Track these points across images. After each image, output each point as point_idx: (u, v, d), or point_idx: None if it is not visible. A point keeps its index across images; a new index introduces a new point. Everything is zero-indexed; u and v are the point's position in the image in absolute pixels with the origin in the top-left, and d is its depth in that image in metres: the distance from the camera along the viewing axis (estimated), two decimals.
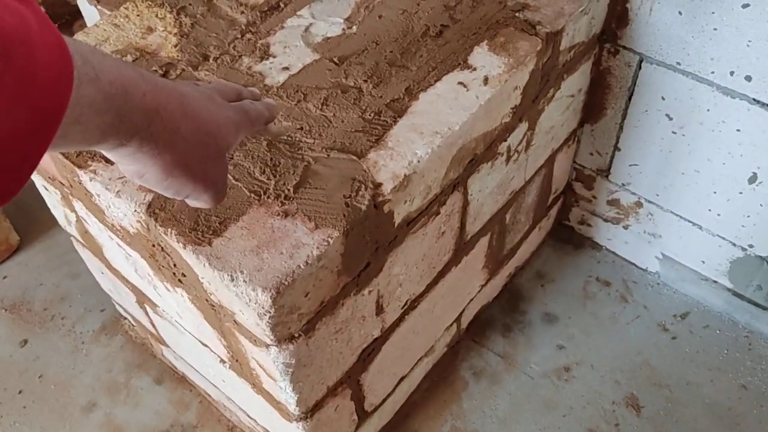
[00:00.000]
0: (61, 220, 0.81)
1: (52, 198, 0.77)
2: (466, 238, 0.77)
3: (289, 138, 0.60)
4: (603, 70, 0.83)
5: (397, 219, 0.59)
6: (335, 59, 0.66)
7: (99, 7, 0.88)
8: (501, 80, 0.63)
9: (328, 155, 0.58)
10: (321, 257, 0.52)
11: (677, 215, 0.91)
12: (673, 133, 0.82)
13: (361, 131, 0.60)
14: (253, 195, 0.55)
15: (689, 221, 0.90)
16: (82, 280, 1.06)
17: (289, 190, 0.55)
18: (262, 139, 0.60)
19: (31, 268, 1.11)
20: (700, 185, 0.85)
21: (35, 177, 0.74)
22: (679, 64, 0.76)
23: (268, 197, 0.55)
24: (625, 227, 1.00)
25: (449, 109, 0.61)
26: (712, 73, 0.74)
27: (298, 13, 0.72)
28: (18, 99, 0.27)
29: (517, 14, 0.69)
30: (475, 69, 0.64)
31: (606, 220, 1.02)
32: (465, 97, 0.62)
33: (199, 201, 0.42)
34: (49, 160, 0.65)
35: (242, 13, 0.72)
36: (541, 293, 1.02)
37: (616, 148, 0.91)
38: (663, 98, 0.80)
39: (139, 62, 0.68)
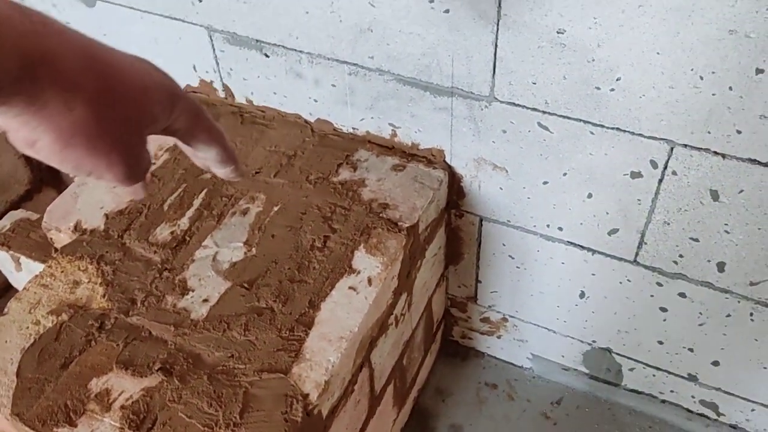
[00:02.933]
0: None
1: None
2: (376, 394, 0.92)
3: (224, 367, 0.73)
4: (454, 228, 1.04)
5: (324, 413, 0.74)
6: (245, 284, 0.81)
7: (11, 252, 0.96)
8: (381, 278, 0.81)
9: (260, 377, 0.71)
10: None
11: (535, 324, 1.12)
12: (517, 267, 1.04)
13: (282, 349, 0.74)
14: (206, 429, 0.68)
15: (545, 328, 1.11)
16: None
17: (236, 417, 0.68)
18: (202, 373, 0.72)
19: None
20: (546, 302, 1.06)
21: None
22: (509, 221, 0.97)
23: (219, 428, 0.68)
24: (498, 337, 1.20)
25: (347, 313, 0.77)
26: (534, 226, 0.96)
27: (204, 243, 0.86)
28: None
29: (381, 215, 0.88)
30: (359, 272, 0.81)
31: (482, 333, 1.21)
32: (357, 300, 0.78)
33: (105, 179, 0.37)
34: None
35: (155, 252, 0.85)
36: (443, 407, 1.18)
37: (477, 280, 1.11)
38: (504, 244, 1.01)
39: (75, 318, 0.78)
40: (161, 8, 0.97)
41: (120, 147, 0.35)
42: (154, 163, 0.96)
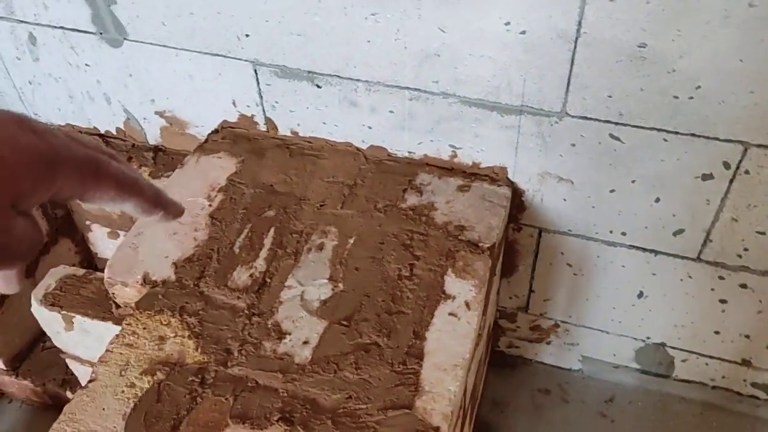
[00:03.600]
0: None
1: None
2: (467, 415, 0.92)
3: (345, 409, 0.71)
4: (511, 241, 1.05)
5: None
6: (343, 321, 0.79)
7: (63, 312, 0.91)
8: (477, 301, 0.81)
9: (386, 415, 0.70)
10: None
11: (588, 327, 1.14)
12: (575, 274, 1.05)
13: (400, 384, 0.73)
14: None
15: (598, 329, 1.14)
16: None
17: None
18: (324, 418, 0.70)
19: None
20: (602, 305, 1.09)
21: None
22: (570, 230, 0.99)
23: None
24: (548, 343, 1.21)
25: (454, 340, 0.77)
26: (596, 233, 0.98)
27: (287, 284, 0.84)
28: None
29: (459, 237, 0.88)
30: (454, 297, 0.81)
31: (531, 341, 1.23)
32: (460, 326, 0.78)
33: None
34: None
35: (238, 298, 0.82)
36: (503, 418, 1.19)
37: (530, 290, 1.12)
38: (562, 253, 1.03)
39: (172, 376, 0.75)
40: (201, 45, 0.94)
41: None
42: (210, 206, 0.93)
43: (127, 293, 0.86)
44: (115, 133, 1.14)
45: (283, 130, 1.02)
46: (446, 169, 0.97)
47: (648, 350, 1.14)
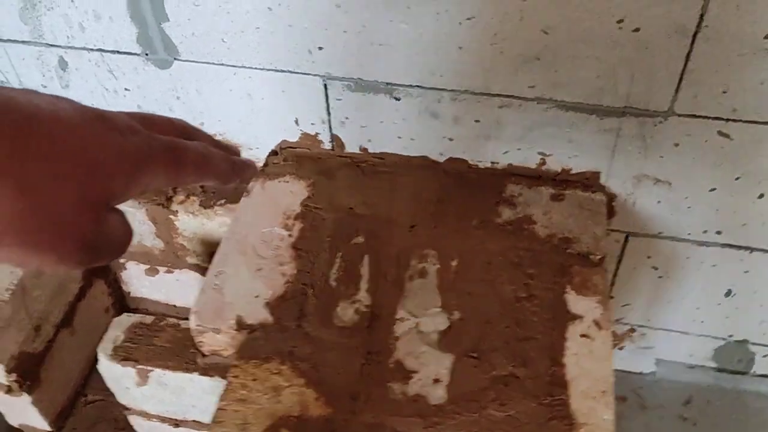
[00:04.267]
0: None
1: None
2: None
3: None
4: None
5: None
6: (471, 353, 0.73)
7: (139, 366, 0.82)
8: (607, 318, 0.75)
9: None
10: None
11: (666, 330, 1.11)
12: (659, 277, 1.02)
13: (552, 418, 0.67)
14: None
15: (677, 331, 1.10)
16: None
17: None
18: None
19: None
20: (684, 306, 1.05)
21: None
22: (660, 233, 0.95)
23: None
24: (620, 348, 1.17)
25: (593, 364, 0.71)
26: (689, 234, 0.94)
27: (397, 316, 0.77)
28: None
29: (568, 251, 0.82)
30: (582, 317, 0.76)
31: None
32: (596, 347, 0.73)
33: (60, 271, 0.30)
34: None
35: (349, 336, 0.75)
36: None
37: (608, 297, 1.08)
38: (648, 257, 0.99)
39: (300, 431, 0.67)
40: (265, 61, 0.87)
41: (69, 234, 0.28)
42: (290, 235, 0.85)
43: (219, 340, 0.77)
44: None
45: (351, 147, 0.95)
46: (533, 177, 0.91)
47: (728, 348, 1.11)
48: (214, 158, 0.36)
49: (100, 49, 0.90)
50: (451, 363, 0.72)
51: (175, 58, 0.89)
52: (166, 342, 0.85)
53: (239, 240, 0.85)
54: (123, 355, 0.83)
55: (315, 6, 0.79)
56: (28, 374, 0.96)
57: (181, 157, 0.33)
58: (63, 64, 0.93)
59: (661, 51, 0.74)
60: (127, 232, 0.33)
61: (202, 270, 1.11)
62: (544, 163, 0.90)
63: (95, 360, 1.14)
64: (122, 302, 1.21)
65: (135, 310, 1.24)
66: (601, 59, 0.76)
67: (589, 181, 0.90)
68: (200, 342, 0.79)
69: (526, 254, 0.82)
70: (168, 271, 1.13)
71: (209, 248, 1.06)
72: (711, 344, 1.11)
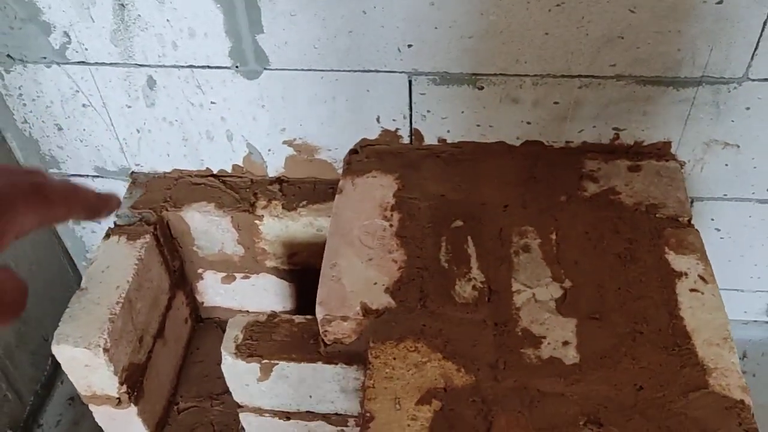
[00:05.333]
0: None
1: None
2: None
3: (644, 401, 0.70)
4: None
5: None
6: (592, 316, 0.78)
7: (264, 361, 0.85)
8: (710, 273, 0.81)
9: (688, 399, 0.69)
10: None
11: (723, 288, 1.17)
12: (721, 238, 1.08)
13: (684, 366, 0.72)
14: None
15: (734, 289, 1.17)
16: None
17: None
18: (629, 413, 0.68)
19: None
20: (744, 264, 1.12)
21: None
22: (725, 195, 1.01)
23: None
24: None
25: (708, 314, 0.77)
26: (753, 193, 1.00)
27: (513, 289, 0.81)
28: None
29: (657, 215, 0.88)
30: (686, 274, 0.81)
31: None
32: (707, 300, 0.78)
33: None
34: None
35: (473, 311, 0.79)
36: None
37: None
38: (712, 219, 1.05)
39: (450, 401, 0.71)
40: (354, 63, 0.91)
41: None
42: (392, 225, 0.89)
43: (344, 328, 0.81)
44: (230, 171, 1.08)
45: (430, 140, 1.00)
46: (607, 152, 0.97)
47: None
48: (80, 192, 0.36)
49: (190, 66, 0.93)
50: (575, 326, 0.77)
51: (264, 68, 0.93)
52: (284, 336, 0.88)
53: (344, 234, 0.89)
54: (247, 351, 0.86)
55: (409, 5, 0.83)
56: (134, 385, 0.98)
57: (48, 195, 0.33)
58: (151, 83, 0.96)
59: (740, 20, 0.80)
60: (17, 288, 0.31)
61: (281, 273, 1.14)
62: (617, 137, 0.96)
63: (181, 368, 1.17)
64: (197, 312, 1.23)
65: (207, 320, 1.26)
66: (683, 32, 0.82)
67: (661, 151, 0.96)
68: (326, 331, 0.83)
69: (619, 222, 0.87)
70: (245, 277, 1.16)
71: (290, 249, 1.09)
72: (765, 299, 1.18)
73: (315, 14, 0.86)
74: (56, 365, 1.24)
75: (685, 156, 0.96)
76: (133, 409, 0.99)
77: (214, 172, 1.09)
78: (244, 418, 0.97)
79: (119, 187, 1.11)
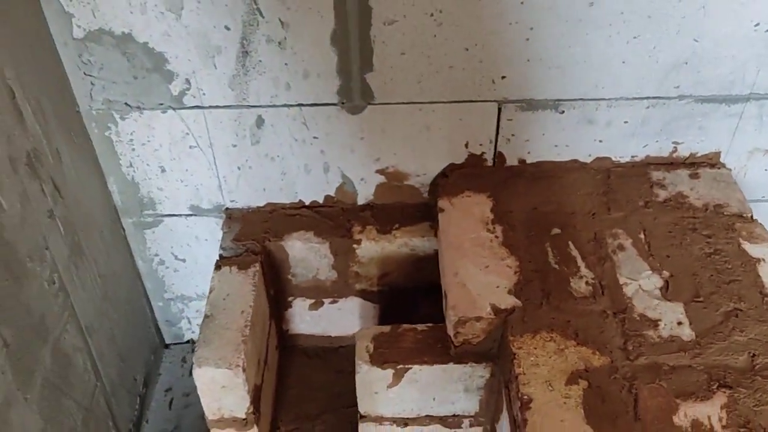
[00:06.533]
0: None
1: None
2: None
3: (761, 365, 0.81)
4: None
5: None
6: (695, 299, 0.89)
7: (399, 366, 0.93)
8: None
9: None
10: None
11: None
12: None
13: None
14: None
15: None
16: None
17: None
18: (749, 375, 0.80)
19: None
20: None
21: None
22: (764, 197, 1.16)
23: None
24: None
25: None
26: None
27: (620, 282, 0.92)
28: None
29: (725, 213, 1.01)
30: (764, 259, 0.94)
31: None
32: None
33: None
34: None
35: (592, 303, 0.90)
36: None
37: None
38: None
39: (595, 380, 0.80)
40: (451, 95, 1.02)
41: None
42: (497, 237, 1.00)
43: (476, 328, 0.90)
44: (321, 201, 1.17)
45: (511, 161, 1.11)
46: (667, 164, 1.11)
47: None
48: None
49: (299, 104, 1.03)
50: (683, 309, 0.88)
51: (368, 103, 1.03)
52: (411, 344, 0.95)
53: (456, 247, 0.99)
54: (381, 359, 0.93)
55: (507, 41, 0.96)
56: (257, 408, 1.03)
57: None
58: (260, 122, 1.05)
59: None
60: None
61: (368, 294, 1.22)
62: (675, 150, 1.10)
63: (278, 394, 1.23)
64: (282, 340, 1.29)
65: (289, 347, 1.32)
66: (736, 57, 0.97)
67: (712, 160, 1.11)
68: (458, 333, 0.91)
69: (695, 221, 1.00)
70: (333, 302, 1.23)
71: (383, 270, 1.17)
72: None
73: (422, 52, 0.97)
74: (143, 404, 1.28)
75: (731, 163, 1.11)
76: (254, 430, 1.05)
77: (306, 203, 1.17)
78: (363, 429, 1.04)
79: (212, 224, 1.18)
